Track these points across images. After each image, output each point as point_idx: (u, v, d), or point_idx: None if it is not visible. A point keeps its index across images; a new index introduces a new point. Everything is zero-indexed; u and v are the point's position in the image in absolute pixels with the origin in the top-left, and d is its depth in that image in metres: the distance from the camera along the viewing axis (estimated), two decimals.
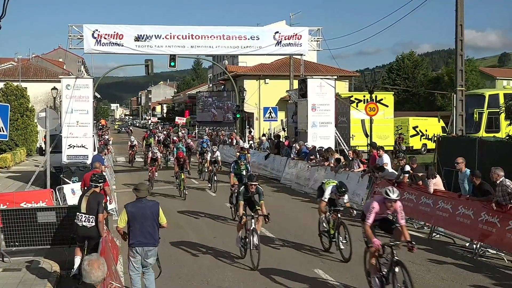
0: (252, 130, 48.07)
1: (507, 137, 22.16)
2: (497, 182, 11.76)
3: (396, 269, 8.79)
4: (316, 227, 13.24)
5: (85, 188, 12.21)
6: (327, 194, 12.49)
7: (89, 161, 22.21)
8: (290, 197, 21.64)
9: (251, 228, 11.77)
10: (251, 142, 36.02)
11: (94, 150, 23.45)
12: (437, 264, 11.63)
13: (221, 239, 14.10)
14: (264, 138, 33.55)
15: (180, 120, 71.94)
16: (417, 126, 44.03)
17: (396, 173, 16.90)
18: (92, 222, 10.43)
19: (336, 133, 26.54)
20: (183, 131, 49.40)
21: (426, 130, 43.17)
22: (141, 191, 9.38)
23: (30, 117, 39.30)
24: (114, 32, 25.49)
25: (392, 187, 9.59)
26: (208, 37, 26.42)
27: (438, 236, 13.99)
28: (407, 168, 16.05)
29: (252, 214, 12.14)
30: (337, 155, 21.77)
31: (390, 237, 9.65)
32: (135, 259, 9.24)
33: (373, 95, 28.37)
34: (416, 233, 14.74)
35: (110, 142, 37.90)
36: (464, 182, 14.36)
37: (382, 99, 34.69)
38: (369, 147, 26.30)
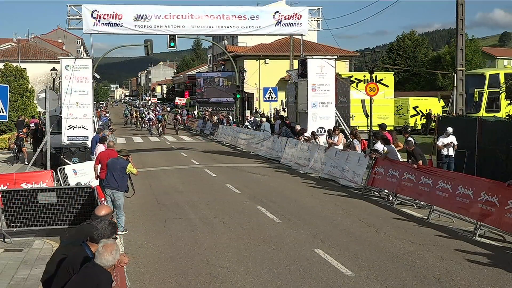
0: (259, 110, 48.30)
1: (507, 117, 22.16)
2: None
3: None
4: (316, 207, 13.18)
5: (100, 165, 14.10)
6: None
7: (89, 142, 22.24)
8: (290, 177, 21.68)
9: None
10: (251, 120, 36.18)
11: (94, 131, 23.43)
12: (436, 244, 11.68)
13: (220, 219, 14.15)
14: (264, 119, 33.51)
15: (180, 101, 71.87)
16: (417, 106, 43.99)
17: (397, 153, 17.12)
18: None
19: (336, 113, 26.49)
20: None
21: (426, 110, 43.13)
22: (122, 152, 13.27)
23: (30, 98, 39.23)
24: (113, 12, 25.29)
25: None
26: (207, 17, 26.23)
27: (437, 216, 14.02)
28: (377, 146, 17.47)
29: None
30: (341, 135, 21.85)
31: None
32: (107, 198, 12.60)
33: (373, 75, 28.28)
34: (415, 213, 14.80)
35: (111, 125, 37.80)
36: None
37: (382, 79, 34.61)
38: (368, 128, 26.36)
